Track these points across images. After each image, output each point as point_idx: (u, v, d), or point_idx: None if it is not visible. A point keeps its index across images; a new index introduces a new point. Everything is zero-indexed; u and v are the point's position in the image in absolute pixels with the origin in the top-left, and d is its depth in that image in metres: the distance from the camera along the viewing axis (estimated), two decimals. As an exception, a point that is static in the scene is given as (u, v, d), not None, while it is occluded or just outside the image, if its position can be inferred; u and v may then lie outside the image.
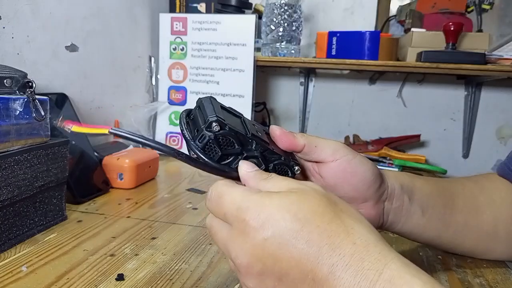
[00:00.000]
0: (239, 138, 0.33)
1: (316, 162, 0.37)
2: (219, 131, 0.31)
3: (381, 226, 0.42)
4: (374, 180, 0.38)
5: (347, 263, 0.24)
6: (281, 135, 0.35)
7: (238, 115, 0.36)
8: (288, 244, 0.25)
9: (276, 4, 1.02)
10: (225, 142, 0.32)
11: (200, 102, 0.34)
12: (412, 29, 1.03)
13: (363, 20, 1.24)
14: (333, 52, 1.02)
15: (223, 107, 0.34)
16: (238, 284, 0.41)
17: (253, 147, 0.34)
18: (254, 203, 0.27)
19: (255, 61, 1.01)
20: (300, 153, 0.37)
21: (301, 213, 0.26)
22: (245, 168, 0.32)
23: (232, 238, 0.28)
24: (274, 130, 0.36)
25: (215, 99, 0.34)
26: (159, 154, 0.84)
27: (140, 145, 0.33)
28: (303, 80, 1.29)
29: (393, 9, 1.23)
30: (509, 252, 0.47)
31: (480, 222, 0.44)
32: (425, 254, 0.51)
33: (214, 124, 0.31)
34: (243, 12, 1.08)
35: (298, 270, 0.25)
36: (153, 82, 1.10)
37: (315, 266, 0.25)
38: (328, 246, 0.25)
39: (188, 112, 0.35)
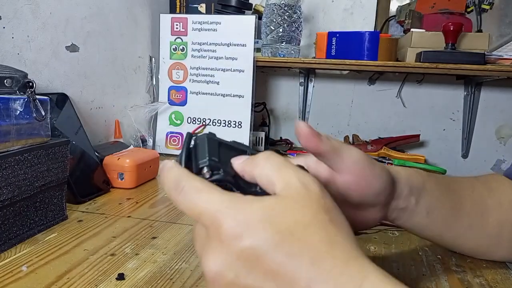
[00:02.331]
0: (239, 183, 0.28)
1: (331, 167, 0.35)
2: (210, 177, 0.27)
3: (384, 220, 0.41)
4: (386, 189, 0.37)
5: (326, 278, 0.24)
6: (308, 135, 0.32)
7: (243, 150, 0.31)
8: (267, 257, 0.24)
9: (276, 4, 1.02)
10: (224, 188, 0.27)
11: (195, 141, 0.29)
12: (412, 29, 1.03)
13: (363, 21, 1.24)
14: (333, 53, 1.02)
15: (225, 144, 0.30)
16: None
17: (258, 189, 0.28)
18: (234, 209, 0.25)
19: (255, 61, 1.01)
20: (319, 156, 0.34)
21: (284, 224, 0.25)
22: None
23: (208, 242, 0.26)
24: (302, 127, 0.32)
25: (214, 135, 0.30)
26: (160, 154, 0.84)
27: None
28: (302, 81, 1.30)
29: (393, 9, 1.24)
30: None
31: (485, 225, 0.44)
32: (424, 254, 0.51)
33: (205, 169, 0.27)
34: (243, 13, 1.08)
35: (274, 283, 0.24)
36: (154, 83, 1.10)
37: (292, 280, 0.24)
38: (308, 260, 0.24)
39: (188, 153, 0.30)
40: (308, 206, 0.26)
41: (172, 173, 0.28)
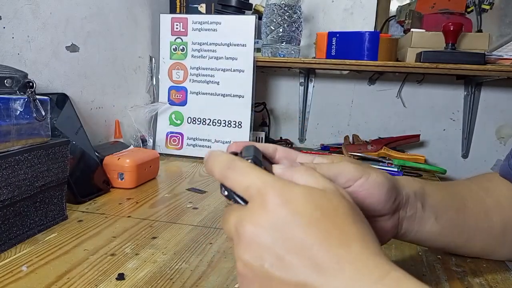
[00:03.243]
0: None
1: None
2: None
3: (396, 236, 0.41)
4: (389, 197, 0.37)
5: (354, 259, 0.25)
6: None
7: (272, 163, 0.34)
8: (303, 229, 0.26)
9: (276, 4, 1.02)
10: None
11: (242, 149, 0.34)
12: (412, 30, 1.03)
13: (363, 21, 1.24)
14: (333, 53, 1.02)
15: (263, 156, 0.34)
16: (237, 284, 0.41)
17: None
18: (281, 185, 0.28)
19: (255, 61, 1.01)
20: None
21: (324, 206, 0.27)
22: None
23: (248, 208, 0.28)
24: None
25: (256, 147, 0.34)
26: (160, 154, 0.84)
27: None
28: (302, 81, 1.30)
29: (393, 9, 1.24)
30: None
31: (490, 225, 0.44)
32: (424, 254, 0.51)
33: (249, 161, 0.31)
34: (243, 13, 1.09)
35: (305, 254, 0.25)
36: (154, 83, 1.10)
37: (323, 253, 0.25)
38: (340, 241, 0.26)
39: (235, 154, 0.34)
40: (345, 202, 0.28)
41: (225, 156, 0.31)
